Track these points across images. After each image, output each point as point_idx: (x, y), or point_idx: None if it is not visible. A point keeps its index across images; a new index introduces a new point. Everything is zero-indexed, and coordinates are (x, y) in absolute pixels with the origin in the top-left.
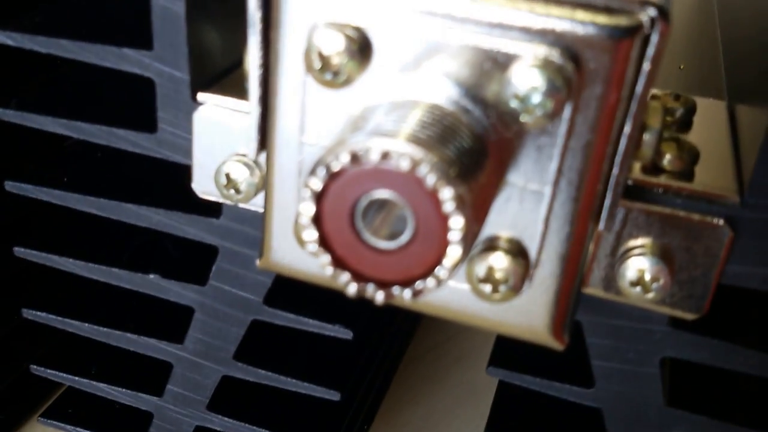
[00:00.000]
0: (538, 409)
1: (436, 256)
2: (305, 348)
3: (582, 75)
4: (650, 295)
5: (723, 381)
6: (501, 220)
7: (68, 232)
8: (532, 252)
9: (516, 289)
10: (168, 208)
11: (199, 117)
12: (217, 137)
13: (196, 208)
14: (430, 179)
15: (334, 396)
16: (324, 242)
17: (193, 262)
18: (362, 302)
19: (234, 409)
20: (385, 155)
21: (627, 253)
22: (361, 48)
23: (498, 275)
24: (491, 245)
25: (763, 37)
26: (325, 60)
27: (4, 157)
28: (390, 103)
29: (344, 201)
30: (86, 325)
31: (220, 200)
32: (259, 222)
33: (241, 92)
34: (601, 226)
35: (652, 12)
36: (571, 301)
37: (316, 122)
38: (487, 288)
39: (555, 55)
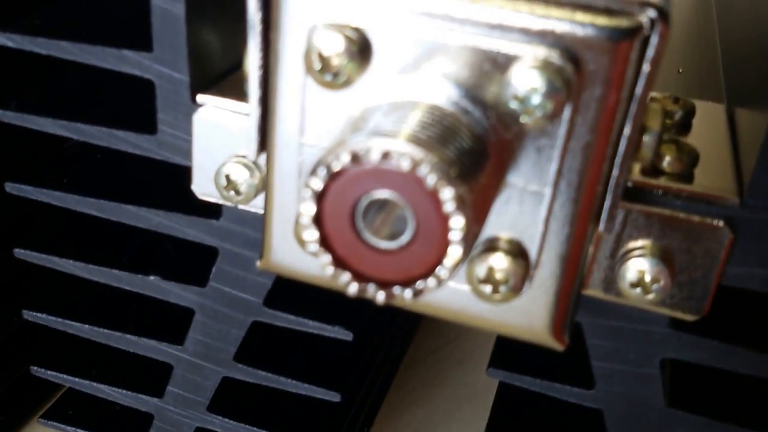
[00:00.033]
0: (538, 411)
1: (436, 256)
2: (305, 349)
3: (582, 76)
4: (650, 297)
5: (724, 382)
6: (501, 221)
7: (68, 233)
8: (532, 253)
9: (516, 289)
10: (168, 209)
11: (199, 118)
12: (216, 139)
13: (196, 209)
14: (431, 179)
15: (334, 397)
16: (325, 242)
17: (193, 263)
18: (362, 303)
19: (234, 411)
20: (386, 155)
21: (627, 255)
22: (361, 49)
23: (498, 276)
24: (491, 246)
25: (761, 41)
26: (324, 61)
27: (4, 158)
28: (390, 103)
29: (345, 201)
30: (86, 326)
31: (220, 202)
32: (259, 223)
33: (240, 94)
34: (601, 227)
35: (651, 13)
36: (571, 301)
37: (316, 123)
38: (488, 289)
39: (555, 56)
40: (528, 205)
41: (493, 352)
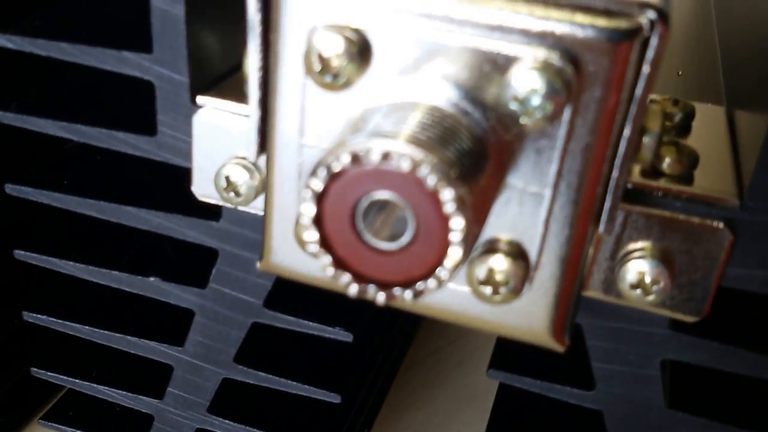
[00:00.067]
0: (538, 412)
1: (436, 257)
2: (305, 351)
3: (581, 77)
4: (650, 298)
5: (724, 383)
6: (501, 223)
7: (68, 235)
8: (533, 254)
9: (516, 291)
10: (168, 211)
11: (199, 120)
12: (216, 140)
13: (196, 211)
14: (431, 180)
15: (334, 399)
16: (325, 243)
17: (193, 265)
18: (362, 304)
19: (234, 412)
20: (386, 156)
21: (627, 256)
22: (361, 50)
23: (498, 277)
24: (491, 247)
25: (761, 44)
26: (324, 62)
27: (4, 159)
28: (390, 105)
29: (345, 202)
30: (87, 327)
31: (220, 203)
32: (259, 225)
33: (240, 95)
34: (601, 228)
35: (651, 15)
36: (571, 303)
37: (315, 124)
38: (488, 290)
39: (554, 57)
40: (528, 207)
41: (493, 353)
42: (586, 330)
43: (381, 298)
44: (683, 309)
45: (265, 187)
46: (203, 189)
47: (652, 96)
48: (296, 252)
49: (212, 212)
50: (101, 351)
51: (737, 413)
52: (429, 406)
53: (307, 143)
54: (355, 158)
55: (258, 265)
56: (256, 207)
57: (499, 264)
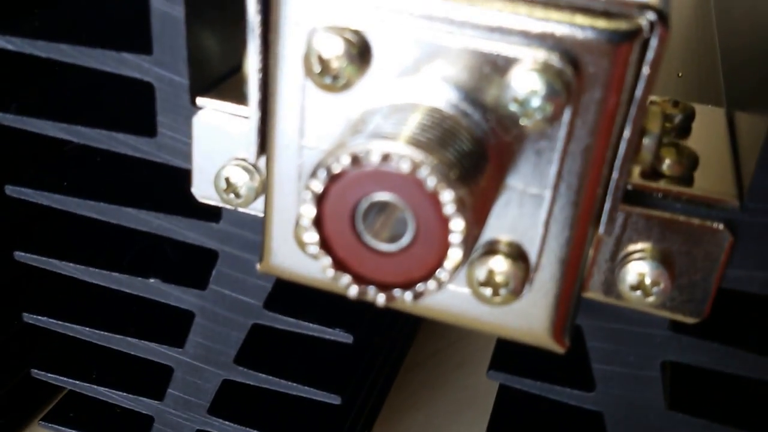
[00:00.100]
0: (538, 414)
1: (436, 258)
2: (306, 352)
3: (581, 79)
4: (650, 299)
5: (724, 384)
6: (501, 224)
7: (68, 236)
8: (532, 256)
9: (516, 292)
10: (168, 212)
11: (199, 121)
12: (216, 141)
13: (196, 212)
14: (431, 181)
15: (334, 400)
16: (325, 244)
17: (193, 266)
18: (363, 306)
19: (234, 413)
20: (386, 157)
21: (627, 258)
22: (361, 52)
23: (498, 279)
24: (491, 249)
25: (761, 45)
26: (324, 64)
27: (4, 161)
28: (389, 106)
29: (345, 203)
30: (87, 329)
31: (220, 204)
32: (258, 226)
33: (240, 97)
34: (601, 230)
35: (651, 16)
36: (571, 304)
37: (315, 126)
38: (488, 291)
39: (554, 58)
40: (528, 208)
41: (494, 354)
42: (587, 331)
43: (381, 299)
44: (683, 310)
45: (265, 189)
46: (203, 190)
47: (652, 97)
48: (296, 253)
49: (212, 214)
50: (101, 352)
51: (737, 415)
52: (429, 408)
53: (307, 145)
54: (355, 159)
55: (258, 266)
56: (256, 208)
57: (499, 265)
